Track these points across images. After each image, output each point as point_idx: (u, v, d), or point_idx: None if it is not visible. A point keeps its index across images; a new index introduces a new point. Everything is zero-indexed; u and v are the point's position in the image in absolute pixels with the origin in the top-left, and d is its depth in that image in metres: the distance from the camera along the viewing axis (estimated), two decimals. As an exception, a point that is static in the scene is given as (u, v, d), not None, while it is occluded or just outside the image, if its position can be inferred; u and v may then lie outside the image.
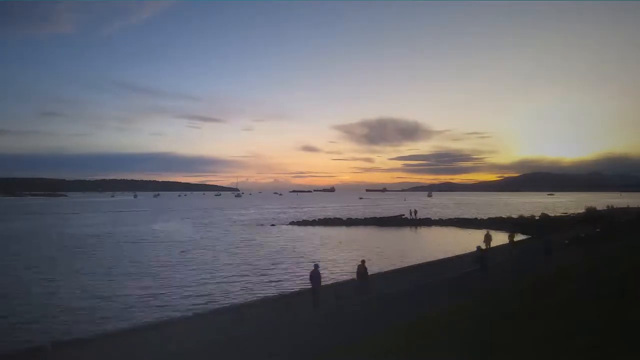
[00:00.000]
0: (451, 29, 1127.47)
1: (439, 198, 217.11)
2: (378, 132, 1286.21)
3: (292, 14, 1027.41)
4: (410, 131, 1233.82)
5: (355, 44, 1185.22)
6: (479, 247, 19.95)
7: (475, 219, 56.85)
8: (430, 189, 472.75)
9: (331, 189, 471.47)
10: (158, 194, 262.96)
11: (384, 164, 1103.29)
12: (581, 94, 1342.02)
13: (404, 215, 61.40)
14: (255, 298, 18.37)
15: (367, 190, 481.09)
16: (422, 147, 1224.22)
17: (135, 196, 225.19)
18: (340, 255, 30.77)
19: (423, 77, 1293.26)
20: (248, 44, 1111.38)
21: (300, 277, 22.27)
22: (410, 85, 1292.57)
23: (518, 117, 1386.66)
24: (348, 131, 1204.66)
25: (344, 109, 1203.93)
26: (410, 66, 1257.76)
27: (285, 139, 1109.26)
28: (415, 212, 60.50)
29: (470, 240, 38.87)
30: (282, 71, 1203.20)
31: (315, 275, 15.36)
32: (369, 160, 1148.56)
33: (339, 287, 18.71)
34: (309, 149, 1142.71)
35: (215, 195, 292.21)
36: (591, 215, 48.89)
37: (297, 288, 19.96)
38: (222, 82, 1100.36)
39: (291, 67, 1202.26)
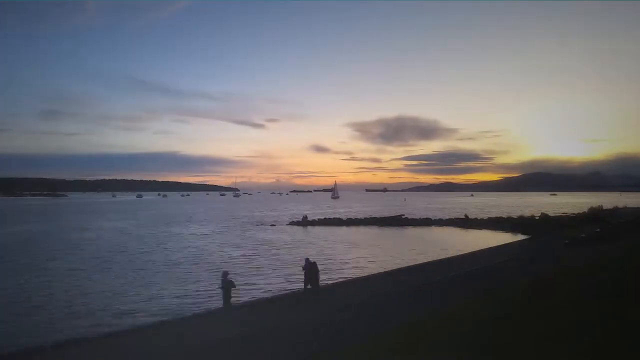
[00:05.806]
0: (471, 27, 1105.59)
1: (432, 198, 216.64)
2: (395, 131, 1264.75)
3: (309, 13, 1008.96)
4: (429, 130, 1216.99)
5: (374, 41, 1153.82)
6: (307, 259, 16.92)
7: (475, 219, 57.01)
8: (429, 189, 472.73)
9: (332, 189, 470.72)
10: (165, 195, 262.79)
11: (390, 164, 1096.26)
12: (590, 94, 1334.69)
13: (403, 215, 62.07)
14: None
15: (367, 190, 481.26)
16: (438, 146, 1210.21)
17: (138, 196, 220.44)
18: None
19: (445, 75, 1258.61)
20: (263, 43, 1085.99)
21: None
22: (432, 83, 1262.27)
23: (529, 117, 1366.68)
24: (363, 130, 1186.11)
25: (362, 107, 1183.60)
26: (430, 64, 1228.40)
27: (296, 138, 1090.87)
28: (306, 217, 59.76)
29: (465, 241, 38.87)
30: (299, 70, 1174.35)
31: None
32: (375, 160, 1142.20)
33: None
34: (318, 149, 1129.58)
35: (221, 195, 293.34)
36: (592, 215, 48.84)
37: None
38: (236, 81, 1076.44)
39: (308, 65, 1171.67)
